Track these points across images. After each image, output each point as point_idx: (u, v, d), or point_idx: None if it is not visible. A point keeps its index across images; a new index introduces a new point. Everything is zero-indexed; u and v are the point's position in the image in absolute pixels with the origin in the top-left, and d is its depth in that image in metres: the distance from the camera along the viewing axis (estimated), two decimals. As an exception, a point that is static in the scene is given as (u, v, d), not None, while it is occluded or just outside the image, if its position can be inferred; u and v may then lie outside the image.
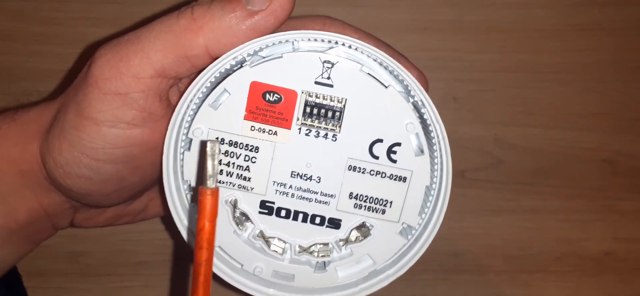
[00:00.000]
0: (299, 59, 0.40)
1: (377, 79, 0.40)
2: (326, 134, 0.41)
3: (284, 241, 0.44)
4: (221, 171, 0.42)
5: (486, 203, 0.65)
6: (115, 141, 0.40)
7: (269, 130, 0.41)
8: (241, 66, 0.40)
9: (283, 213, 0.43)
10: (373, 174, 0.42)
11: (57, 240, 0.57)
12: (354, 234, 0.44)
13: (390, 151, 0.41)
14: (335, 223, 0.43)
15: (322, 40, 0.39)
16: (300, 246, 0.44)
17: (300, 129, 0.41)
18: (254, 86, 0.40)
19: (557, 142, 0.64)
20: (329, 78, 0.40)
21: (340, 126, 0.41)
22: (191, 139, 0.41)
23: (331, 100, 0.40)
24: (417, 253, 0.44)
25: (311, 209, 0.43)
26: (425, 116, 0.40)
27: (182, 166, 0.42)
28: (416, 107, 0.41)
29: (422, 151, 0.41)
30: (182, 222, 0.43)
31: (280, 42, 0.39)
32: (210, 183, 0.33)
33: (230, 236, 0.44)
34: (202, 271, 0.34)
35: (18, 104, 0.47)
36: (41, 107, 0.45)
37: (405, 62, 0.43)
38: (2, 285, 0.55)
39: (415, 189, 0.42)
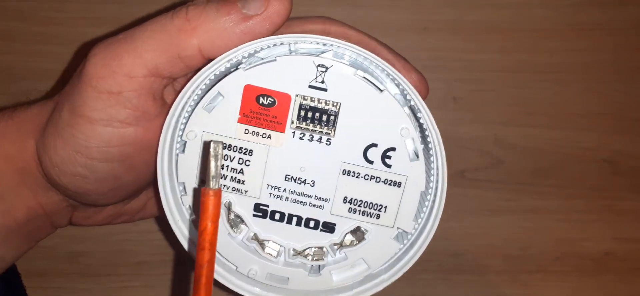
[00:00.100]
0: (292, 63, 0.39)
1: (371, 83, 0.39)
2: (320, 138, 0.40)
3: (278, 244, 0.43)
4: None
5: (486, 203, 0.64)
6: (109, 139, 0.40)
7: (263, 133, 0.40)
8: (236, 69, 0.39)
9: (277, 216, 0.42)
10: (367, 179, 0.41)
11: (57, 240, 0.59)
12: (349, 238, 0.43)
13: (384, 156, 0.40)
14: (329, 227, 0.43)
15: (317, 44, 0.39)
16: (294, 250, 0.43)
17: (294, 132, 0.40)
18: (248, 89, 0.39)
19: (557, 142, 0.64)
20: (322, 82, 0.39)
21: (334, 130, 0.40)
22: (186, 142, 0.41)
23: (325, 104, 0.39)
24: (412, 258, 0.43)
25: (305, 212, 0.42)
26: (421, 121, 0.39)
27: (176, 168, 0.42)
28: (413, 112, 0.40)
29: (417, 156, 0.40)
30: (177, 223, 0.43)
31: (275, 45, 0.39)
32: (212, 184, 0.33)
33: (224, 239, 0.43)
34: (204, 273, 0.33)
35: (16, 103, 0.47)
36: (39, 106, 0.44)
37: (405, 65, 0.43)
38: (2, 283, 0.54)
39: (410, 195, 0.41)
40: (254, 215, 0.43)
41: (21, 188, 0.44)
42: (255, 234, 0.43)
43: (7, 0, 0.58)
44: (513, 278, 0.65)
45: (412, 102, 0.39)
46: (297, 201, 0.42)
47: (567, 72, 0.62)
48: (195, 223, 0.43)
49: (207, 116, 0.40)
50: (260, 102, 0.39)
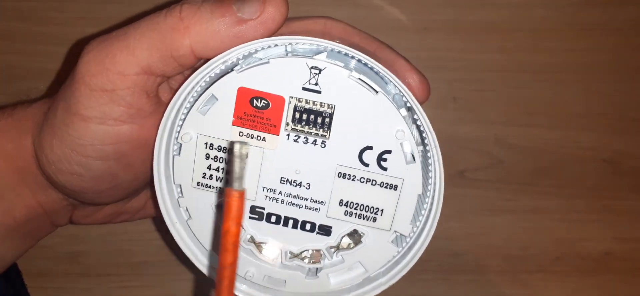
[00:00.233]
0: (286, 65, 0.38)
1: (366, 85, 0.38)
2: (315, 141, 0.39)
3: (275, 247, 0.43)
4: (210, 176, 0.41)
5: (486, 203, 0.64)
6: (103, 137, 0.39)
7: (257, 136, 0.39)
8: (231, 71, 0.38)
9: (273, 218, 0.42)
10: (363, 182, 0.40)
11: (57, 240, 0.58)
12: (345, 241, 0.42)
13: (380, 159, 0.39)
14: (325, 230, 0.42)
15: (311, 45, 0.38)
16: (291, 252, 0.43)
17: (288, 135, 0.39)
18: (242, 91, 0.38)
19: (557, 142, 0.63)
20: (316, 84, 0.38)
21: (329, 132, 0.39)
22: (181, 144, 0.40)
23: (321, 106, 0.38)
24: (410, 261, 0.42)
25: (301, 215, 0.41)
26: (418, 123, 0.38)
27: (173, 170, 0.41)
28: (410, 114, 0.39)
29: (413, 159, 0.39)
30: (174, 225, 0.42)
31: (269, 46, 0.38)
32: (236, 185, 0.32)
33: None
34: (226, 275, 0.32)
35: (17, 102, 0.46)
36: (38, 104, 0.44)
37: (407, 65, 0.42)
38: (3, 281, 0.54)
39: (407, 198, 0.40)
40: (250, 218, 0.42)
41: (20, 187, 0.44)
42: (251, 237, 0.42)
43: (7, 0, 0.57)
44: (513, 278, 0.65)
45: (409, 104, 0.38)
46: (293, 204, 0.41)
47: (567, 72, 0.61)
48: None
49: (201, 118, 0.39)
50: (254, 105, 0.38)
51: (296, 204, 0.41)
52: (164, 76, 0.39)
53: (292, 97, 0.38)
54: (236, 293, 0.42)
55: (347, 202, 0.41)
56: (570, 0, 0.60)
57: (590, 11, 0.60)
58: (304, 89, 0.38)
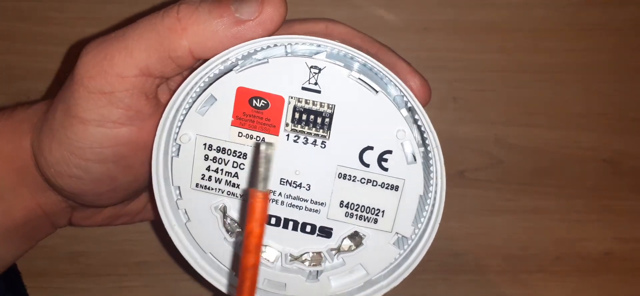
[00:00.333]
0: (285, 64, 0.37)
1: (366, 85, 0.37)
2: (315, 141, 0.38)
3: (275, 249, 0.42)
4: (209, 177, 0.40)
5: (486, 203, 0.63)
6: (102, 140, 0.38)
7: (257, 136, 0.39)
8: (231, 70, 0.37)
9: (273, 220, 0.41)
10: (364, 183, 0.39)
11: (57, 240, 0.57)
12: (346, 243, 0.41)
13: (381, 159, 0.39)
14: (326, 232, 0.41)
15: (311, 45, 0.37)
16: (291, 255, 0.42)
17: (288, 135, 0.39)
18: (241, 91, 0.38)
19: (557, 142, 0.62)
20: (316, 83, 0.37)
21: (329, 133, 0.38)
22: (180, 145, 0.39)
23: (320, 106, 0.38)
24: (412, 264, 0.41)
25: (301, 217, 0.41)
26: (419, 123, 0.38)
27: (171, 172, 0.40)
28: (411, 115, 0.38)
29: (414, 159, 0.38)
30: (173, 228, 0.41)
31: (268, 47, 0.37)
32: (261, 187, 0.31)
33: (220, 243, 0.41)
34: (248, 276, 0.32)
35: (16, 103, 0.46)
36: (37, 106, 0.43)
37: (408, 68, 0.41)
38: (3, 282, 0.53)
39: (408, 199, 0.39)
40: None
41: (20, 188, 0.43)
42: None
43: (7, 0, 0.57)
44: (513, 278, 0.64)
45: (409, 105, 0.37)
46: (293, 205, 0.40)
47: (567, 72, 0.61)
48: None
49: (200, 119, 0.38)
50: (253, 105, 0.38)
51: (296, 206, 0.40)
52: (162, 77, 0.38)
53: (292, 98, 0.37)
54: None
55: (348, 203, 0.40)
56: (570, 0, 0.59)
57: (590, 11, 0.60)
58: (303, 88, 0.37)
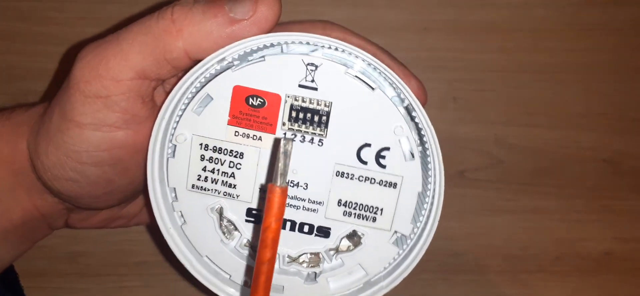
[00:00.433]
0: (282, 62, 0.37)
1: (363, 82, 0.36)
2: (312, 139, 0.38)
3: None
4: (206, 178, 0.39)
5: (486, 203, 0.62)
6: (98, 143, 0.38)
7: (254, 135, 0.38)
8: (226, 69, 0.37)
9: None
10: (362, 181, 0.38)
11: (56, 240, 0.57)
12: (345, 243, 0.41)
13: (379, 156, 0.38)
14: (324, 232, 0.40)
15: (308, 43, 0.36)
16: (289, 256, 0.41)
17: (285, 134, 0.38)
18: (237, 90, 0.37)
19: (557, 142, 0.62)
20: (312, 81, 0.37)
21: (326, 131, 0.37)
22: (175, 145, 0.38)
23: (318, 104, 0.37)
24: (411, 263, 0.40)
25: (299, 217, 0.40)
26: (416, 120, 0.37)
27: (167, 173, 0.39)
28: (408, 112, 0.37)
29: (412, 156, 0.38)
30: (168, 231, 0.41)
31: (265, 46, 0.36)
32: (280, 182, 0.32)
33: (217, 246, 0.41)
34: (264, 270, 0.32)
35: (16, 104, 0.46)
36: (35, 109, 0.43)
37: (405, 71, 0.40)
38: (1, 284, 0.53)
39: (407, 196, 0.39)
40: (247, 220, 0.40)
41: (17, 190, 0.43)
42: (248, 241, 0.41)
43: (7, 0, 0.56)
44: (513, 278, 0.63)
45: (406, 103, 0.37)
46: (291, 205, 0.39)
47: (567, 72, 0.60)
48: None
49: (196, 118, 0.38)
50: (250, 103, 0.37)
51: (294, 206, 0.39)
52: (158, 79, 0.37)
53: (289, 96, 0.37)
54: None
55: (346, 202, 0.39)
56: (570, 0, 0.59)
57: (590, 11, 0.59)
58: (300, 86, 0.37)
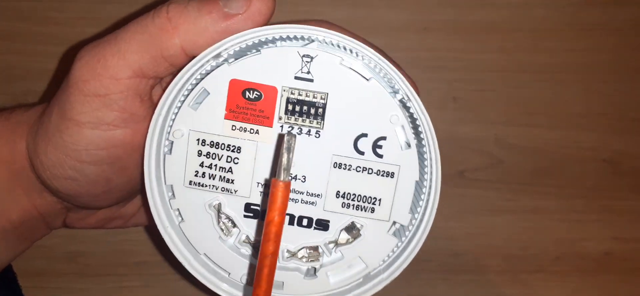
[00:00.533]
0: (277, 54, 0.37)
1: (358, 72, 0.36)
2: (309, 131, 0.38)
3: None
4: (203, 174, 0.39)
5: (486, 203, 0.62)
6: (97, 142, 0.38)
7: (251, 129, 0.38)
8: (223, 63, 0.37)
9: None
10: (359, 171, 0.38)
11: (55, 240, 0.57)
12: (344, 236, 0.40)
13: (375, 146, 0.38)
14: (323, 224, 0.40)
15: (302, 37, 0.36)
16: (288, 251, 0.41)
17: (282, 127, 0.38)
18: (233, 83, 0.37)
19: (557, 142, 0.61)
20: (308, 72, 0.36)
21: (323, 122, 0.37)
22: (173, 142, 0.38)
23: (314, 96, 0.37)
24: (411, 254, 0.40)
25: (298, 210, 0.39)
26: (411, 110, 0.37)
27: (164, 170, 0.39)
28: (403, 102, 0.37)
29: (408, 145, 0.38)
30: (166, 230, 0.40)
31: (260, 40, 0.36)
32: (283, 176, 0.32)
33: (215, 243, 0.40)
34: (267, 264, 0.32)
35: (16, 105, 0.46)
36: (34, 109, 0.43)
37: (400, 71, 0.40)
38: (1, 284, 0.53)
39: (404, 185, 0.38)
40: (245, 216, 0.40)
41: (16, 189, 0.43)
42: (247, 237, 0.40)
43: (7, 0, 0.56)
44: (513, 278, 0.63)
45: (400, 95, 0.37)
46: (289, 199, 0.39)
47: (567, 72, 0.60)
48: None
49: (193, 113, 0.38)
50: (247, 97, 0.37)
51: (292, 199, 0.39)
52: (156, 77, 0.37)
53: (285, 89, 0.37)
54: None
55: (344, 193, 0.39)
56: (570, 0, 0.58)
57: (590, 11, 0.59)
58: (296, 78, 0.37)
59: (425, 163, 0.38)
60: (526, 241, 0.62)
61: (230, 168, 0.38)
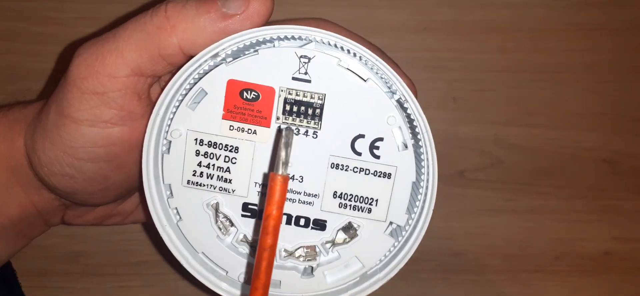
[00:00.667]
0: (275, 54, 0.36)
1: (355, 73, 0.36)
2: (307, 131, 0.37)
3: None
4: (201, 173, 0.39)
5: (486, 203, 0.62)
6: (95, 139, 0.38)
7: (248, 129, 0.38)
8: (220, 64, 0.37)
9: None
10: (356, 172, 0.38)
11: (56, 240, 0.57)
12: (341, 235, 0.40)
13: (372, 147, 0.37)
14: (320, 224, 0.39)
15: (300, 38, 0.36)
16: (285, 250, 0.40)
17: (280, 127, 0.38)
18: (231, 84, 0.37)
19: (557, 142, 0.61)
20: (306, 73, 0.36)
21: (320, 123, 0.37)
22: (170, 142, 0.38)
23: (311, 97, 0.37)
24: (407, 254, 0.40)
25: (295, 210, 0.39)
26: (409, 111, 0.36)
27: (162, 169, 0.39)
28: (399, 102, 0.37)
29: (405, 146, 0.37)
30: (164, 228, 0.40)
31: (258, 40, 0.36)
32: (281, 171, 0.32)
33: (213, 242, 0.40)
34: (265, 257, 0.32)
35: (14, 102, 0.45)
36: (33, 106, 0.43)
37: (396, 70, 0.40)
38: (0, 282, 0.53)
39: (401, 186, 0.38)
40: (243, 215, 0.40)
41: (14, 186, 0.42)
42: (245, 236, 0.40)
43: (7, 0, 0.56)
44: (513, 278, 0.63)
45: (398, 96, 0.37)
46: (286, 199, 0.38)
47: (567, 72, 0.59)
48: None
49: (191, 113, 0.37)
50: (244, 97, 0.37)
51: (289, 199, 0.39)
52: (154, 76, 0.37)
53: (282, 90, 0.37)
54: None
55: (341, 193, 0.39)
56: (570, 0, 0.58)
57: (590, 11, 0.59)
58: (293, 78, 0.36)
59: (422, 164, 0.38)
60: (526, 241, 0.62)
61: (228, 167, 0.38)
